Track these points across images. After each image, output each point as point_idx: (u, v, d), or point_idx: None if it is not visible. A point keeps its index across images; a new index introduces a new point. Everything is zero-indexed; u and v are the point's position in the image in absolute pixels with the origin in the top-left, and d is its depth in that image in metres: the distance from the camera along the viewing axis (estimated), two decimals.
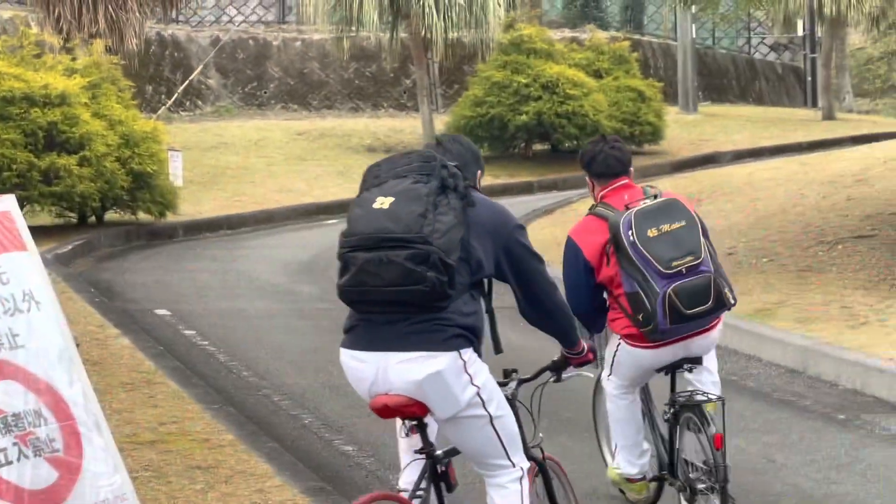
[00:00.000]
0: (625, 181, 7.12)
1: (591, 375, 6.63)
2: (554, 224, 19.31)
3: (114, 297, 14.35)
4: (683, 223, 6.71)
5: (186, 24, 35.15)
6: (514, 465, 5.45)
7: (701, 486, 6.71)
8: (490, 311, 5.56)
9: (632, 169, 7.25)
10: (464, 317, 5.32)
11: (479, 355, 5.39)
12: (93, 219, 19.91)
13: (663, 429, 7.01)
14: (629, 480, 7.26)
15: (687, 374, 7.00)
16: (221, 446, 8.09)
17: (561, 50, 29.17)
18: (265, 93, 34.68)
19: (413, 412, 5.24)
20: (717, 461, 6.60)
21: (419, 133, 29.82)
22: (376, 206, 5.16)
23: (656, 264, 6.58)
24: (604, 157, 7.12)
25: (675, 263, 6.59)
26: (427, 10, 27.24)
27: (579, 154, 7.34)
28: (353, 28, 28.46)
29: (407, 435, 5.49)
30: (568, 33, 35.99)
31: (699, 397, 6.87)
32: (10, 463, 5.13)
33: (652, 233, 6.64)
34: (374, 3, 27.42)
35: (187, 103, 33.40)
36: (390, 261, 5.07)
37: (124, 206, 19.73)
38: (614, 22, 39.38)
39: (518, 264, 5.52)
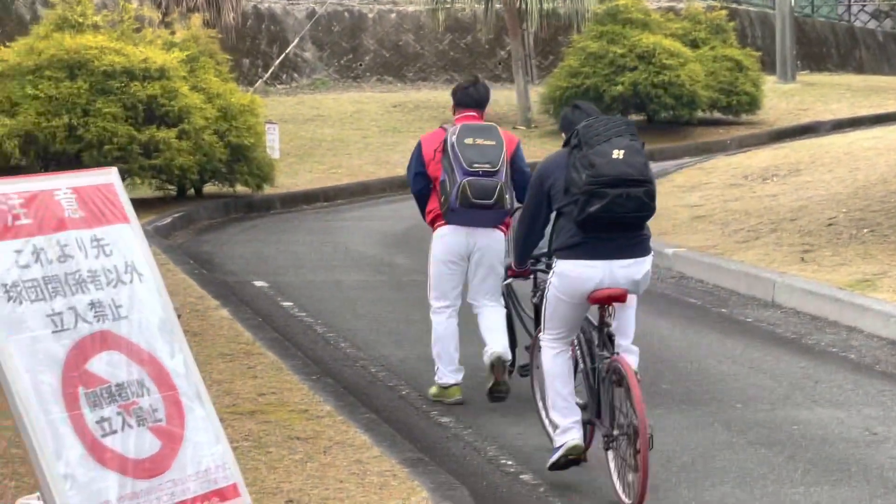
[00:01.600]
0: (472, 113, 9.17)
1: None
2: None
3: (213, 268, 14.49)
4: (493, 143, 8.96)
5: None
6: None
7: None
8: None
9: (485, 110, 9.22)
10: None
11: None
12: (191, 191, 20.09)
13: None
14: (443, 387, 9.10)
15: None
16: (320, 417, 8.15)
17: (657, 20, 28.93)
18: (360, 65, 34.77)
19: (622, 298, 7.28)
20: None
21: (514, 104, 29.75)
22: (615, 156, 7.11)
23: (462, 162, 8.84)
24: (463, 93, 9.19)
25: (475, 165, 8.85)
26: None
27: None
28: (448, 0, 28.42)
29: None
30: (664, 3, 35.70)
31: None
32: (114, 432, 5.20)
33: (468, 141, 8.88)
34: None
35: (284, 76, 33.58)
36: (630, 196, 7.05)
37: (222, 178, 19.88)
38: None
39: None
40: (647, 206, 7.13)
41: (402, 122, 28.37)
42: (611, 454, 7.26)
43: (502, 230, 9.12)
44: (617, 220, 7.09)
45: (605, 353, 7.36)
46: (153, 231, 16.07)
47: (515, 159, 9.11)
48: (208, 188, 20.38)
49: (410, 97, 31.36)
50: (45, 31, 19.10)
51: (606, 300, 7.23)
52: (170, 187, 19.86)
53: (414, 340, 10.78)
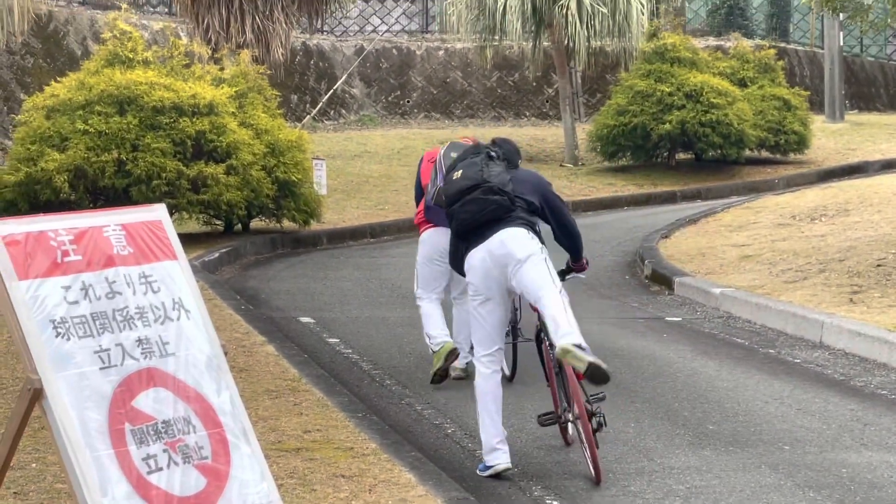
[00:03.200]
0: (466, 139, 10.33)
1: (583, 277, 9.11)
2: (698, 234, 19.14)
3: (259, 304, 14.52)
4: None
5: (331, 33, 35.48)
6: None
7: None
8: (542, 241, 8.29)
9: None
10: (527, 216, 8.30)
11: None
12: (239, 226, 20.17)
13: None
14: (437, 352, 10.58)
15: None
16: (365, 455, 8.13)
17: (705, 58, 28.91)
18: (408, 102, 34.86)
19: None
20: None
21: (561, 142, 29.75)
22: (455, 176, 8.38)
23: (444, 169, 9.44)
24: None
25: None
26: (570, 19, 27.18)
27: None
28: (496, 37, 28.49)
29: None
30: (712, 42, 35.66)
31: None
32: (160, 469, 5.20)
33: (453, 154, 9.45)
34: (518, 13, 27.43)
35: (331, 112, 33.70)
36: (476, 200, 8.20)
37: (269, 214, 19.96)
38: (759, 30, 38.92)
39: (551, 204, 8.45)
40: (497, 203, 8.15)
41: None
42: (574, 431, 8.46)
43: None
44: (475, 225, 8.20)
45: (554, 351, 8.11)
46: (200, 266, 16.13)
47: None
48: (255, 223, 20.45)
49: (457, 134, 31.39)
50: (95, 67, 19.26)
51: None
52: (217, 222, 19.95)
53: (459, 378, 10.75)
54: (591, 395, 8.41)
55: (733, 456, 8.69)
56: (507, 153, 8.55)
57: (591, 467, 8.05)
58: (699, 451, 8.78)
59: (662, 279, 15.96)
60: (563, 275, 8.69)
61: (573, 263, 8.84)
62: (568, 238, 8.59)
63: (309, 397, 9.59)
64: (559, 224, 8.50)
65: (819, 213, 19.28)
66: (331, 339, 12.60)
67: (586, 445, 8.03)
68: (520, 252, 8.07)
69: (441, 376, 10.59)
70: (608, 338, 12.63)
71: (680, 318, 13.92)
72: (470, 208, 8.16)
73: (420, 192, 10.79)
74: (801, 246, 16.58)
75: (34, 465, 7.59)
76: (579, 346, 7.79)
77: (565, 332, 7.86)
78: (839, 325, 12.28)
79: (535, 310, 8.31)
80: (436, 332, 10.64)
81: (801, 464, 8.52)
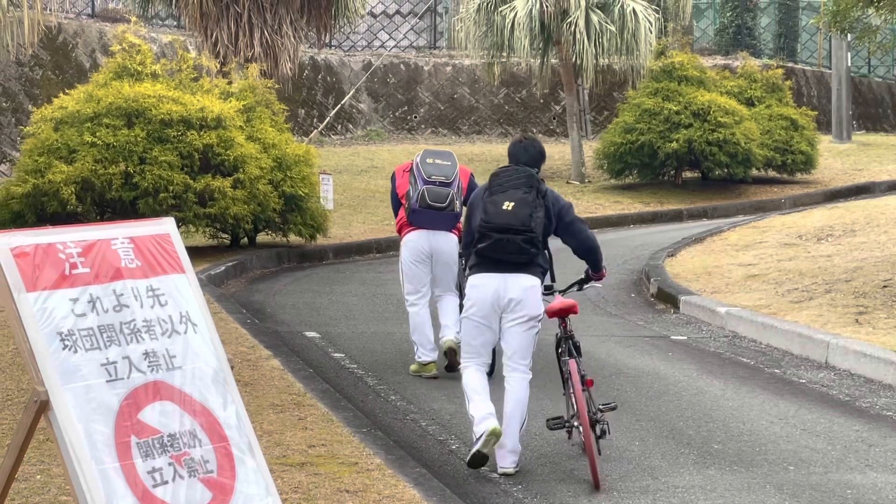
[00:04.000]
0: (438, 148, 12.74)
1: (600, 286, 10.09)
2: (704, 252, 19.14)
3: (265, 318, 14.52)
4: (449, 163, 11.46)
5: (339, 48, 35.53)
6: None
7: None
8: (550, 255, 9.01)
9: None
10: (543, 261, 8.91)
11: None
12: (245, 240, 20.18)
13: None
14: (422, 364, 11.66)
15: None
16: (370, 470, 8.13)
17: (712, 77, 28.94)
18: (415, 117, 34.90)
19: (574, 310, 8.91)
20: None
21: (568, 159, 29.76)
22: (504, 207, 8.69)
23: (423, 174, 11.31)
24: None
25: (433, 177, 11.34)
26: (578, 36, 27.22)
27: None
28: (504, 54, 28.54)
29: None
30: (720, 60, 35.69)
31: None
32: (165, 483, 5.21)
33: (429, 161, 11.40)
34: (526, 30, 27.46)
35: (339, 127, 33.74)
36: (510, 241, 8.66)
37: (276, 228, 19.97)
38: (767, 49, 38.96)
39: (570, 225, 8.98)
40: (524, 250, 8.69)
41: None
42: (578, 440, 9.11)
43: (454, 234, 11.59)
44: (498, 258, 8.72)
45: (565, 358, 8.86)
46: (206, 279, 16.14)
47: (471, 186, 11.58)
48: (262, 237, 20.47)
49: (464, 150, 31.43)
50: (104, 79, 19.29)
51: (561, 313, 8.84)
52: (223, 236, 19.96)
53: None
54: (602, 405, 8.79)
55: (738, 476, 8.68)
56: (537, 160, 9.05)
57: (590, 474, 8.38)
58: (704, 470, 8.77)
59: (668, 298, 15.96)
60: (581, 284, 9.31)
61: (593, 273, 9.23)
62: (590, 253, 9.10)
63: (314, 412, 9.59)
64: (582, 245, 9.07)
65: (825, 233, 19.28)
66: (336, 354, 12.61)
67: (586, 453, 8.44)
68: (531, 310, 8.76)
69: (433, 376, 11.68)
70: (613, 356, 12.62)
71: (685, 337, 13.92)
72: (508, 246, 8.67)
73: (397, 202, 11.79)
74: (808, 266, 16.58)
75: (39, 476, 7.59)
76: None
77: (506, 434, 8.69)
78: (845, 346, 12.27)
79: (554, 316, 8.90)
80: (425, 345, 11.69)
81: (806, 484, 8.51)
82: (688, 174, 28.91)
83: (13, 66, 27.28)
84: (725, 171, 27.71)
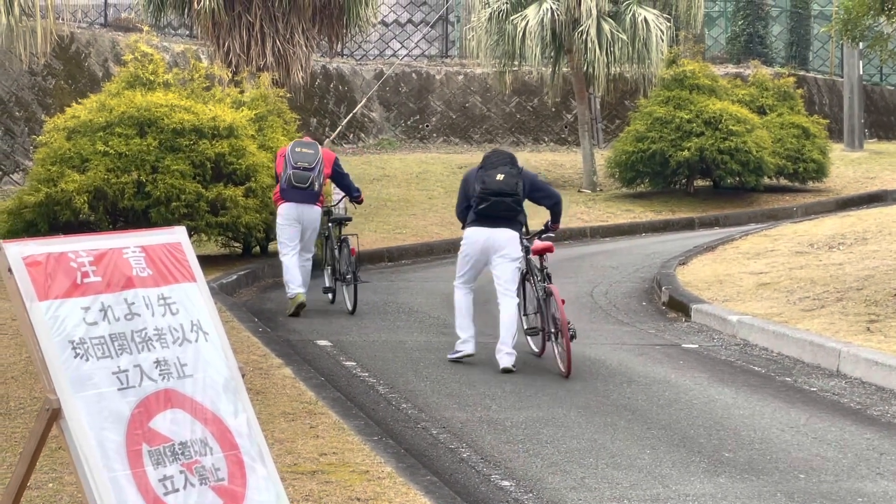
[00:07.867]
0: (307, 138, 15.91)
1: (552, 235, 12.64)
2: (716, 261, 19.13)
3: (276, 327, 14.54)
4: (312, 151, 15.25)
5: (351, 57, 35.59)
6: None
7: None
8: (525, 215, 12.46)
9: (323, 139, 13.69)
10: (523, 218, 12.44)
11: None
12: (257, 249, 20.21)
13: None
14: (291, 298, 15.29)
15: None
16: (380, 478, 8.14)
17: (724, 86, 28.94)
18: (427, 126, 34.94)
19: (550, 249, 12.56)
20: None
21: (579, 167, 29.78)
22: (497, 178, 12.09)
23: (292, 161, 15.16)
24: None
25: (299, 163, 15.15)
26: (590, 45, 27.24)
27: None
28: (516, 63, 28.58)
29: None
30: (731, 69, 35.70)
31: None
32: (176, 490, 5.22)
33: (297, 150, 15.22)
34: (537, 39, 27.49)
35: (350, 136, 33.79)
36: (502, 202, 12.08)
37: None
38: (778, 58, 38.95)
39: (544, 188, 12.55)
40: (512, 209, 12.12)
41: None
42: (552, 345, 12.24)
43: (318, 205, 15.34)
44: (494, 215, 12.12)
45: (543, 284, 12.27)
46: (218, 288, 16.16)
47: (336, 168, 15.79)
48: (273, 246, 20.47)
49: (476, 159, 31.27)
50: (116, 89, 19.35)
51: (542, 251, 12.39)
52: (235, 244, 19.99)
53: (476, 403, 10.77)
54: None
55: (749, 484, 8.68)
56: (504, 155, 12.47)
57: (564, 365, 11.74)
58: (715, 478, 8.77)
59: (679, 306, 15.96)
60: (541, 234, 12.49)
61: (552, 224, 12.57)
62: (557, 205, 12.47)
63: (325, 420, 9.61)
64: (552, 197, 12.47)
65: (837, 241, 19.27)
66: (347, 363, 12.62)
67: (564, 348, 11.71)
68: (512, 252, 12.21)
69: (296, 314, 15.16)
70: (624, 364, 12.63)
71: (697, 346, 13.92)
72: (500, 206, 12.08)
73: (277, 178, 15.46)
74: (819, 274, 16.57)
75: (51, 484, 7.62)
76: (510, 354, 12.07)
77: (503, 342, 12.09)
78: (856, 354, 12.26)
79: (537, 254, 12.45)
80: (294, 283, 15.21)
81: (817, 493, 8.51)
82: (699, 182, 28.91)
83: (26, 75, 27.36)
84: (737, 179, 27.71)
